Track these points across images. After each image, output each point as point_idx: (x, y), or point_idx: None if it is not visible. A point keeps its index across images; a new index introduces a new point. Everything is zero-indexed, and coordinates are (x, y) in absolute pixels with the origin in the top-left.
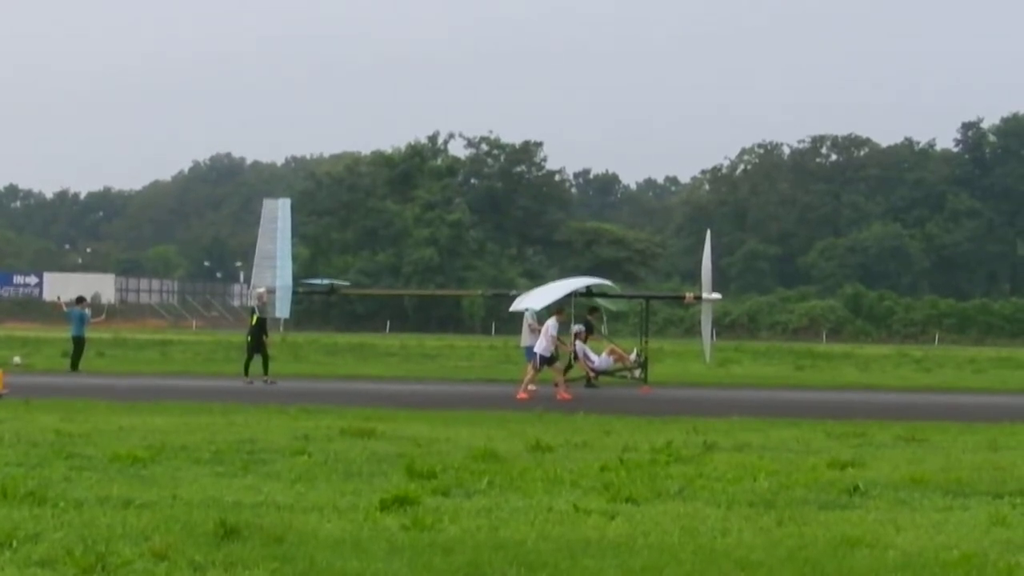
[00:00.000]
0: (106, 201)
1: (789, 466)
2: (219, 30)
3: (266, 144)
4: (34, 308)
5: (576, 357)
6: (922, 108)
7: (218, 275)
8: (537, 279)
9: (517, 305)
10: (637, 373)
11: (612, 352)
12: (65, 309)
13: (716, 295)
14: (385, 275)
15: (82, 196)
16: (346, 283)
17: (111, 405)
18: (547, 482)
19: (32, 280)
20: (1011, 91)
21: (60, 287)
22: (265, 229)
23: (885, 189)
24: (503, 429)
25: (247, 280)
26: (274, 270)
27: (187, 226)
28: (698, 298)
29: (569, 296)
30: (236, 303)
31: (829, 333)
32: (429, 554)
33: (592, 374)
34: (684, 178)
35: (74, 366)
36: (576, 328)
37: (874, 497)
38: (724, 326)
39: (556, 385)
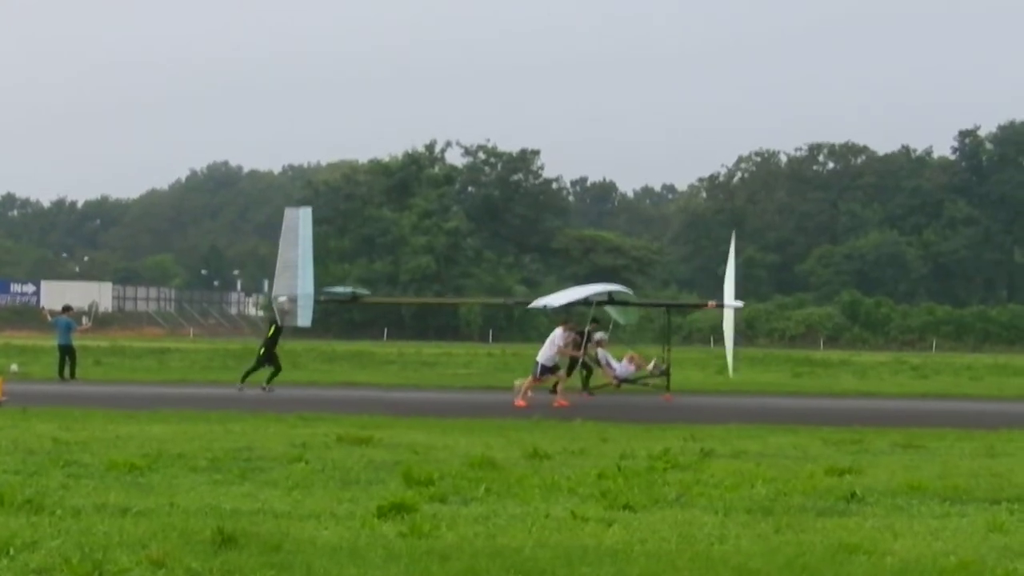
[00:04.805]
0: (103, 210)
1: (787, 473)
2: (217, 39)
3: (263, 153)
4: (31, 317)
5: (598, 364)
6: (919, 116)
7: (215, 283)
8: (534, 287)
9: (537, 303)
10: (651, 366)
11: (632, 359)
12: (50, 319)
13: (739, 302)
14: (382, 283)
15: (79, 205)
16: (367, 292)
17: (108, 413)
18: (544, 489)
19: (29, 289)
20: (1008, 99)
21: (57, 296)
22: (286, 238)
23: (882, 197)
24: (501, 436)
25: (244, 288)
26: (295, 279)
27: (184, 235)
28: (720, 305)
29: (585, 299)
30: (234, 311)
31: (826, 340)
32: (426, 561)
33: (614, 381)
34: (681, 186)
35: (61, 375)
36: (598, 336)
37: (872, 504)
38: (722, 333)
39: (555, 391)
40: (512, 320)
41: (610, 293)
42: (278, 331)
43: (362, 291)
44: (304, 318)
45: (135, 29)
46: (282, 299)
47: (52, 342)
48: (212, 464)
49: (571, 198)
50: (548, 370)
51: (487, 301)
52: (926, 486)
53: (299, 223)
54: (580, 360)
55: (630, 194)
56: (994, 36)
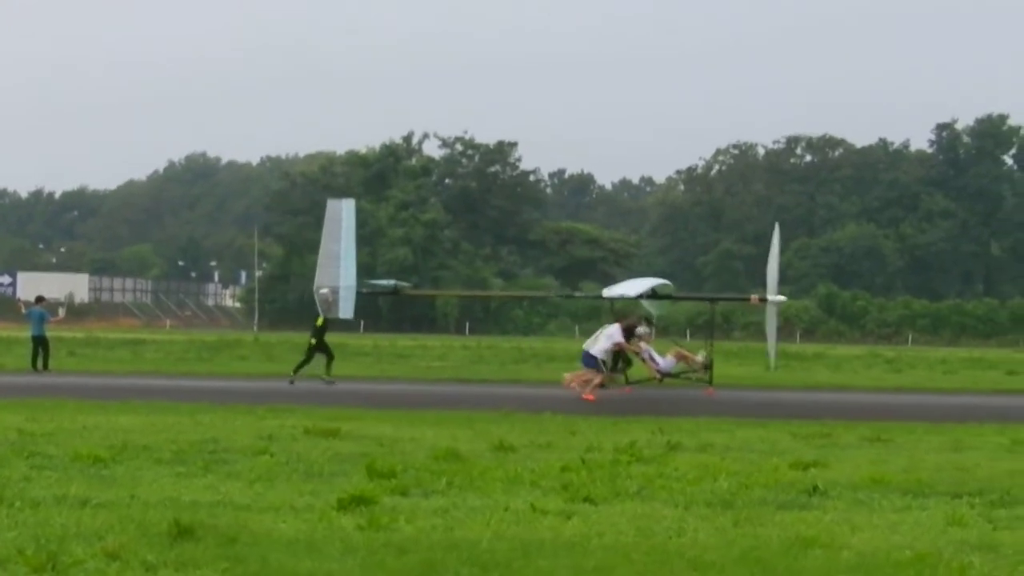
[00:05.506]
0: (81, 200)
1: (751, 466)
2: (195, 31)
3: (241, 144)
4: (7, 307)
5: (641, 358)
6: (896, 109)
7: (192, 275)
8: (511, 279)
9: (611, 293)
10: (699, 358)
11: (677, 354)
12: (24, 311)
13: (781, 297)
14: (359, 275)
15: (57, 195)
16: (408, 284)
17: (78, 404)
18: (507, 482)
19: (6, 280)
20: (985, 92)
21: (33, 286)
22: (329, 229)
23: (860, 189)
24: (469, 429)
25: (221, 280)
26: (338, 270)
27: (162, 226)
28: (763, 299)
29: (642, 295)
30: (211, 302)
31: (803, 333)
32: (383, 554)
33: (657, 376)
34: (659, 178)
35: (34, 366)
36: (641, 330)
37: (833, 497)
38: (698, 326)
39: (575, 383)
40: (489, 312)
41: (654, 287)
42: (326, 322)
43: (403, 284)
44: (346, 310)
45: (112, 23)
46: (324, 291)
47: (27, 333)
48: (177, 456)
49: (549, 190)
50: (595, 361)
51: (530, 295)
52: (889, 480)
53: (342, 215)
54: (624, 354)
55: (608, 186)
56: (971, 29)
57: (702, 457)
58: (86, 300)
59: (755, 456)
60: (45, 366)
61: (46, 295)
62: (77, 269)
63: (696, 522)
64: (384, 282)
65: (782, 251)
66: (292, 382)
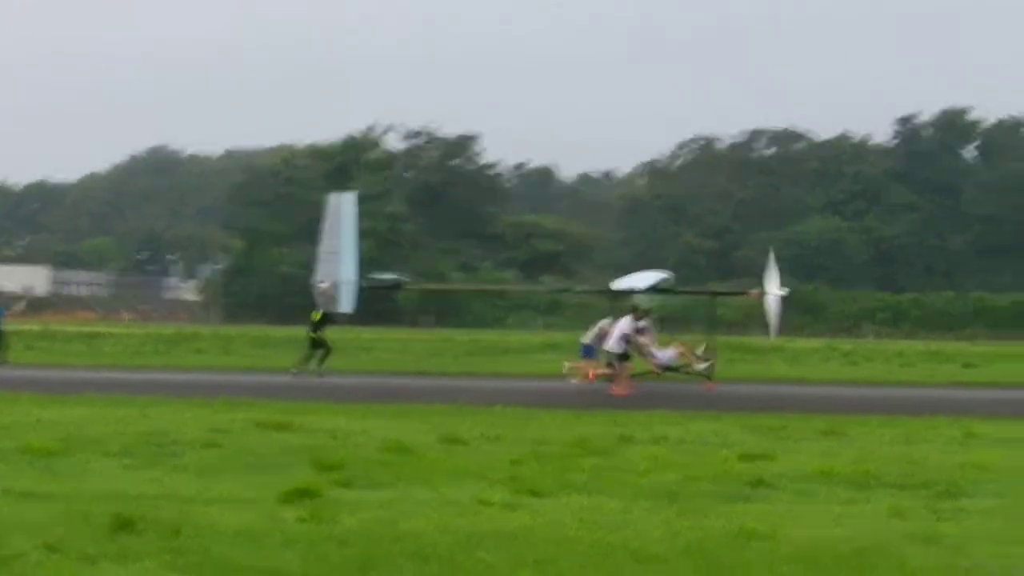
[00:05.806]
0: (43, 192)
1: (700, 459)
2: (157, 23)
3: (204, 138)
4: None
5: (642, 353)
6: (858, 102)
7: (152, 268)
8: (472, 272)
9: (619, 286)
10: (702, 366)
11: (678, 348)
12: None
13: (783, 291)
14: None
15: (18, 188)
16: (408, 279)
17: (33, 397)
18: (454, 475)
19: None
20: (947, 86)
21: None
22: (330, 224)
23: (824, 182)
24: (423, 422)
25: (181, 273)
26: (338, 264)
27: (123, 218)
28: (764, 294)
29: (649, 289)
30: (170, 296)
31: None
32: (324, 546)
33: (657, 369)
34: (621, 172)
35: None
36: (641, 324)
37: (780, 490)
38: (661, 319)
39: (613, 379)
40: (452, 305)
41: (655, 282)
42: (325, 316)
43: (405, 278)
44: (347, 304)
45: (73, 18)
46: (324, 285)
47: None
48: (125, 449)
49: (511, 183)
50: (623, 357)
51: (525, 289)
52: (838, 472)
53: (342, 209)
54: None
55: (570, 179)
56: (932, 23)
57: (653, 449)
58: (46, 293)
59: (706, 449)
60: (3, 359)
61: (5, 288)
62: (39, 262)
63: (641, 514)
64: (386, 276)
65: (743, 245)
66: (320, 375)
